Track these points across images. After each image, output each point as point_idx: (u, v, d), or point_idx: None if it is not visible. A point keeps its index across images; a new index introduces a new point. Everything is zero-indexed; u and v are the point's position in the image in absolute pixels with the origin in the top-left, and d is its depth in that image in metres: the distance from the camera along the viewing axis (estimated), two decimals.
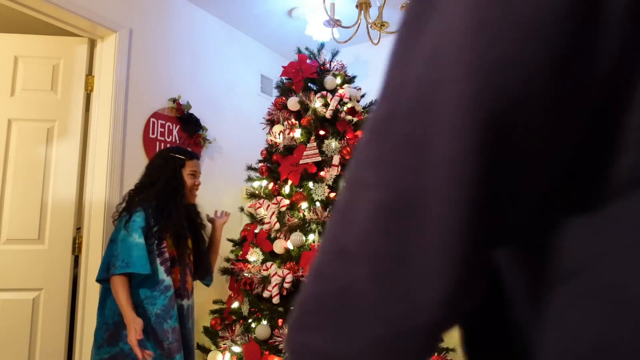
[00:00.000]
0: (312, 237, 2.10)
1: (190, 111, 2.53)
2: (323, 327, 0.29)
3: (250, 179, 2.50)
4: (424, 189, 0.25)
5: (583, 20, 0.22)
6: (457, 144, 0.23)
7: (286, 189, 2.27)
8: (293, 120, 2.37)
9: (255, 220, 2.35)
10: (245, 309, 2.16)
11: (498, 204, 0.25)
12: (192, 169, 1.82)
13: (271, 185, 2.35)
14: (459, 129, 0.23)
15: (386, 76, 0.28)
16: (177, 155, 1.82)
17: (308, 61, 2.43)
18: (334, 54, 2.46)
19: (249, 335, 2.08)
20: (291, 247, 2.11)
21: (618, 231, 0.25)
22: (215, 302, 2.37)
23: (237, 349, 2.09)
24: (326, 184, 2.15)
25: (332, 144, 2.21)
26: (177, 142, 2.48)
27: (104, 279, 1.60)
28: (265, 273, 2.12)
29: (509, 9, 0.22)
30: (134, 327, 1.54)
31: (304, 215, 2.11)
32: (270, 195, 2.32)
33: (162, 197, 1.71)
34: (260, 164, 2.46)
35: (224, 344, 2.15)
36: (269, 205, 2.27)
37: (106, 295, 1.65)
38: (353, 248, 0.27)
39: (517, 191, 0.25)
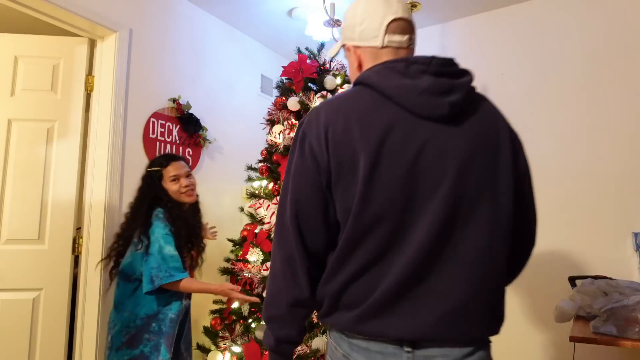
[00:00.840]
0: None
1: (190, 111, 2.53)
2: (272, 306, 0.89)
3: (250, 179, 2.50)
4: (292, 252, 0.87)
5: (323, 189, 0.85)
6: (294, 238, 0.86)
7: None
8: (293, 120, 2.37)
9: (255, 220, 2.35)
10: (245, 309, 2.16)
11: (316, 251, 0.88)
12: (172, 174, 1.79)
13: (271, 185, 2.35)
14: (293, 234, 0.86)
15: (279, 204, 0.91)
16: (152, 169, 1.80)
17: (308, 61, 2.43)
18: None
19: (249, 335, 2.08)
20: None
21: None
22: (215, 302, 2.36)
23: (237, 349, 2.09)
24: None
25: None
26: (177, 142, 2.48)
27: (151, 291, 1.62)
28: (265, 273, 2.12)
29: (298, 189, 0.86)
30: (227, 289, 1.65)
31: None
32: (270, 195, 2.32)
33: (171, 217, 1.73)
34: (260, 164, 2.46)
35: (224, 344, 2.14)
36: (269, 205, 2.27)
37: (123, 300, 1.65)
38: (277, 274, 0.89)
39: (320, 248, 0.88)
